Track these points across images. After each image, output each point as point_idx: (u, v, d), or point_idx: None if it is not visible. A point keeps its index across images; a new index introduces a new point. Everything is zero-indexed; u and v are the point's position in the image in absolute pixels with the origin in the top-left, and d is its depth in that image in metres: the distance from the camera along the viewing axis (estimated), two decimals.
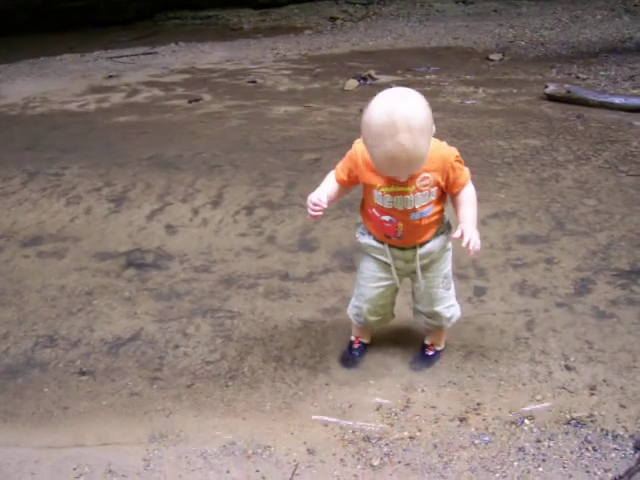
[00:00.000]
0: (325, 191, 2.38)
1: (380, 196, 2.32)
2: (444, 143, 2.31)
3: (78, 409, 2.60)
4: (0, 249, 3.82)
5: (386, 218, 2.36)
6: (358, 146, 2.34)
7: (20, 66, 9.38)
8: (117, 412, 2.58)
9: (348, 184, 2.42)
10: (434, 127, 2.15)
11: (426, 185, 2.27)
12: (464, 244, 2.26)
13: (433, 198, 2.31)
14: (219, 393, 2.64)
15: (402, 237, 2.38)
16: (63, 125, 6.17)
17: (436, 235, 2.41)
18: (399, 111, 2.05)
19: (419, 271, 2.45)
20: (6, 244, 3.88)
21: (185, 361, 2.83)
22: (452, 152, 2.29)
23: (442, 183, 2.29)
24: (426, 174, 2.25)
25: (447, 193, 2.36)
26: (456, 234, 2.29)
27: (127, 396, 2.66)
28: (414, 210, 2.31)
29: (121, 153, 5.22)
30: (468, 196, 2.35)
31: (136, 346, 2.95)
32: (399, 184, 2.26)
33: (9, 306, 3.29)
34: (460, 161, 2.31)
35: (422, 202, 2.30)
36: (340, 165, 2.41)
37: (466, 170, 2.34)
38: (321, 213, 2.34)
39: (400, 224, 2.34)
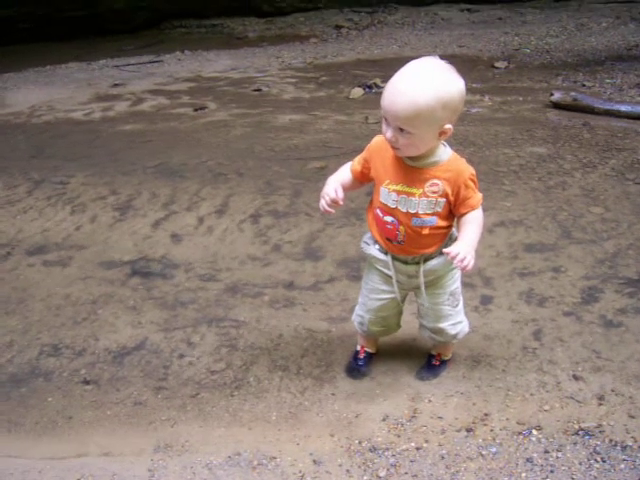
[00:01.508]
0: (340, 181, 2.35)
1: (386, 193, 2.28)
2: (464, 160, 2.28)
3: (82, 419, 2.59)
4: (5, 258, 3.82)
5: (388, 219, 2.31)
6: (376, 139, 2.33)
7: (26, 74, 9.41)
8: (121, 422, 2.56)
9: (361, 177, 2.39)
10: (449, 125, 2.10)
11: (434, 192, 2.22)
12: (450, 257, 2.20)
13: (439, 210, 2.26)
14: (224, 403, 2.62)
15: (403, 242, 2.33)
16: (68, 133, 6.17)
17: (441, 253, 2.32)
18: (438, 68, 2.08)
19: (423, 287, 2.42)
20: (11, 252, 3.87)
21: (190, 370, 2.82)
22: (469, 169, 2.24)
23: (451, 197, 2.23)
24: (436, 181, 2.21)
25: (454, 212, 2.30)
26: (448, 249, 2.22)
27: (132, 406, 2.64)
28: (416, 215, 2.26)
29: (126, 161, 5.22)
30: (473, 217, 2.28)
31: (141, 355, 2.93)
32: (407, 184, 2.23)
33: (14, 315, 3.28)
34: (474, 181, 2.25)
35: (426, 209, 2.25)
36: (357, 157, 2.39)
37: (479, 195, 2.28)
38: (334, 211, 2.32)
39: (401, 227, 2.29)
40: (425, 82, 2.03)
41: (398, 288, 2.46)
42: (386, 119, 2.12)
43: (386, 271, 2.45)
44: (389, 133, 2.12)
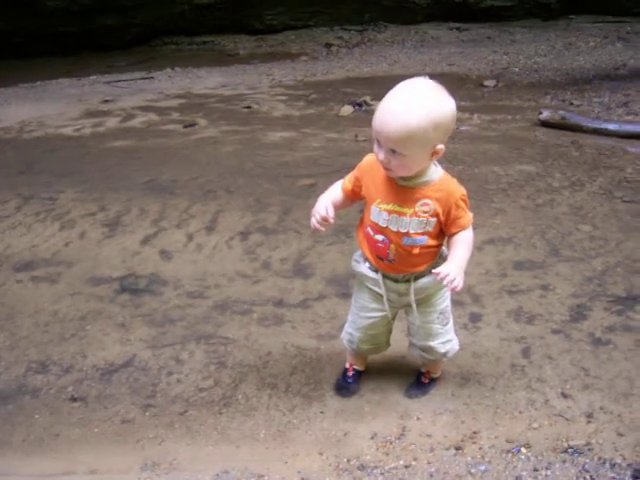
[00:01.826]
0: (331, 199, 2.36)
1: (377, 212, 2.28)
2: (455, 180, 2.29)
3: (69, 436, 2.57)
4: None
5: (379, 237, 2.31)
6: (367, 157, 2.33)
7: (16, 90, 9.43)
8: (109, 440, 2.54)
9: (352, 195, 2.40)
10: (442, 146, 2.11)
11: (425, 212, 2.23)
12: (439, 278, 2.21)
13: (430, 229, 2.26)
14: (212, 421, 2.61)
15: (394, 261, 2.33)
16: (58, 149, 6.17)
17: (431, 272, 2.32)
18: (421, 85, 2.09)
19: (414, 305, 2.42)
20: None
21: (178, 388, 2.80)
22: (460, 190, 2.25)
23: (442, 217, 2.24)
24: (427, 200, 2.21)
25: (445, 232, 2.30)
26: (438, 269, 2.22)
27: (119, 423, 2.62)
28: (407, 234, 2.26)
29: (116, 178, 5.21)
30: (463, 237, 2.28)
31: (129, 372, 2.92)
32: (398, 203, 2.23)
33: (1, 331, 3.26)
34: (465, 201, 2.26)
35: (417, 229, 2.25)
36: (348, 176, 2.40)
37: (470, 215, 2.29)
38: (324, 229, 2.32)
39: (392, 246, 2.30)
40: (417, 103, 2.03)
41: (389, 306, 2.46)
42: (378, 140, 2.12)
43: (376, 289, 2.45)
44: (381, 155, 2.13)
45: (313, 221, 2.32)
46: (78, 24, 12.56)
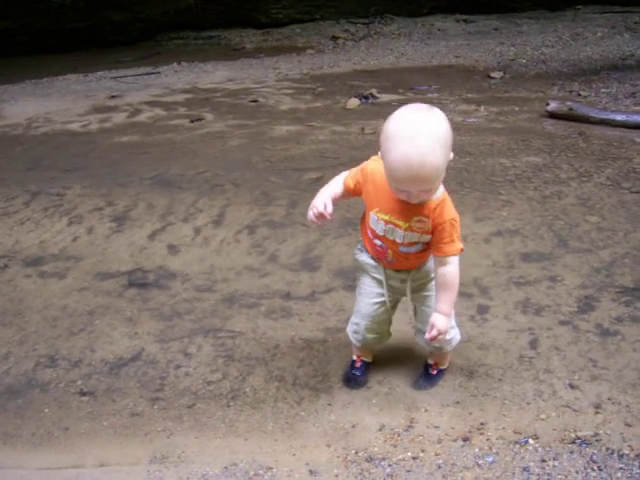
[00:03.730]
0: (330, 194, 2.37)
1: (375, 220, 2.32)
2: (450, 203, 2.28)
3: (78, 430, 2.58)
4: (2, 269, 3.81)
5: (377, 242, 2.36)
6: (372, 163, 2.33)
7: (23, 86, 9.44)
8: (118, 433, 2.56)
9: (353, 193, 2.41)
10: (452, 154, 2.12)
11: (420, 228, 2.25)
12: (427, 337, 2.34)
13: (424, 241, 2.30)
14: (221, 413, 2.62)
15: (392, 262, 2.40)
16: (65, 145, 6.18)
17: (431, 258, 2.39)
18: (420, 117, 2.05)
19: (409, 293, 2.47)
20: (8, 264, 3.87)
21: (186, 381, 2.81)
22: (450, 214, 2.25)
23: (432, 235, 2.28)
24: (423, 218, 2.23)
25: (431, 251, 2.34)
26: (430, 333, 2.33)
27: (128, 417, 2.64)
28: (402, 244, 2.30)
29: (123, 173, 5.23)
30: (447, 280, 2.31)
31: (137, 366, 2.93)
32: (395, 216, 2.26)
33: (10, 326, 3.28)
34: (453, 226, 2.26)
35: (411, 240, 2.29)
36: (351, 173, 2.40)
37: (458, 245, 2.29)
38: (321, 223, 2.34)
39: (390, 251, 2.35)
40: (430, 141, 2.00)
41: (390, 292, 2.49)
42: (406, 189, 2.13)
43: (378, 276, 2.48)
44: (413, 199, 2.16)
45: (310, 214, 2.35)
46: (84, 20, 12.56)
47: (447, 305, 2.34)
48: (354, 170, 2.40)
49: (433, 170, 2.03)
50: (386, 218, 2.28)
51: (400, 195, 2.17)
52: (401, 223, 2.26)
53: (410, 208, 2.22)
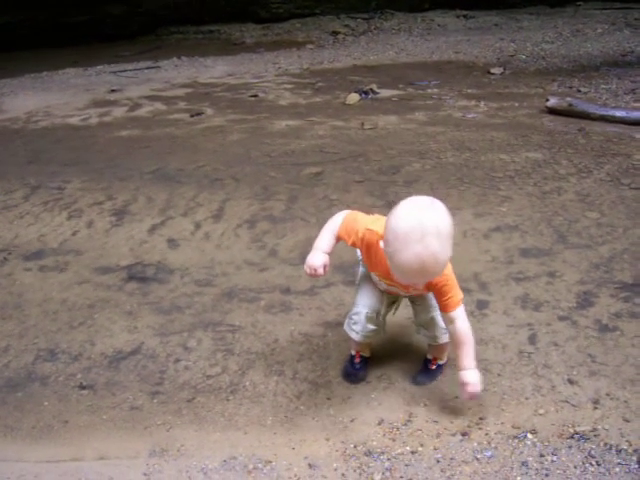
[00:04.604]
0: (327, 251, 2.44)
1: (377, 280, 2.50)
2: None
3: (78, 423, 2.59)
4: (1, 263, 3.82)
5: (382, 286, 2.53)
6: (367, 234, 2.36)
7: (23, 80, 9.44)
8: (117, 426, 2.56)
9: (351, 246, 2.49)
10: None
11: (417, 289, 2.42)
12: (466, 397, 2.45)
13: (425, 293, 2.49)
14: (220, 407, 2.62)
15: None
16: (65, 139, 6.18)
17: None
18: (428, 216, 2.09)
19: (400, 301, 2.67)
20: (7, 258, 3.87)
21: (186, 375, 2.82)
22: (446, 270, 2.31)
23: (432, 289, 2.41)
24: (418, 285, 2.35)
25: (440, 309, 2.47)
26: (467, 393, 2.43)
27: (127, 410, 2.64)
28: (406, 297, 2.58)
29: (123, 167, 5.23)
30: (461, 336, 2.42)
31: (137, 360, 2.93)
32: (395, 283, 2.37)
33: (10, 320, 3.28)
34: (448, 283, 2.36)
35: (413, 294, 2.51)
36: (347, 229, 2.43)
37: (458, 296, 2.40)
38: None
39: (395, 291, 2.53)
40: (437, 239, 2.06)
41: (388, 299, 2.62)
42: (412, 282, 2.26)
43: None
44: (419, 285, 2.31)
45: (307, 270, 2.43)
46: (82, 15, 12.55)
47: (470, 358, 2.44)
48: (347, 226, 2.44)
49: (443, 265, 2.15)
50: (387, 282, 2.43)
51: (406, 282, 2.29)
52: (402, 291, 2.45)
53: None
